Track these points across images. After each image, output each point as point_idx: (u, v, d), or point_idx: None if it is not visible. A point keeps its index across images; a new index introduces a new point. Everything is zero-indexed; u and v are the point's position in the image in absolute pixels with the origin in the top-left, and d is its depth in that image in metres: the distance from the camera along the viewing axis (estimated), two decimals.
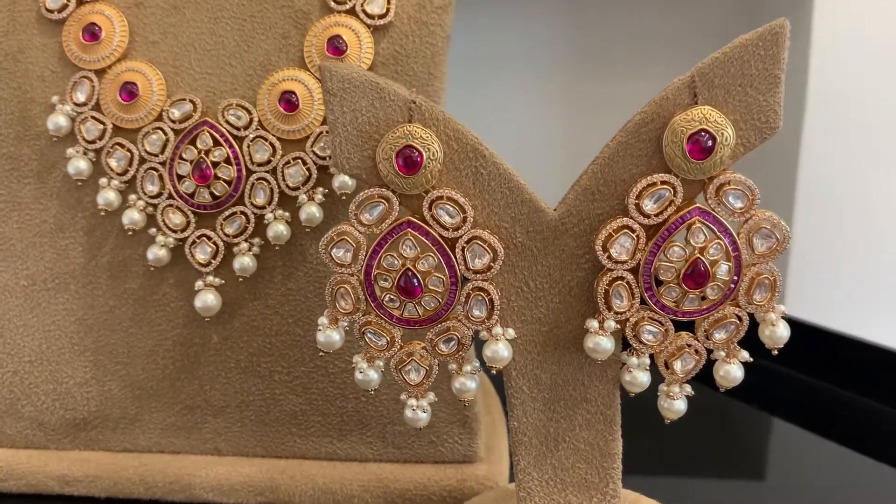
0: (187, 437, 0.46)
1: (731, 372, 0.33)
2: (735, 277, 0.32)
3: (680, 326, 0.34)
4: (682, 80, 0.31)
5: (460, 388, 0.34)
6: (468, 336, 0.34)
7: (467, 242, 0.33)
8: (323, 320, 0.34)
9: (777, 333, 0.33)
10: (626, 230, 0.32)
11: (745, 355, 0.33)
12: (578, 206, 0.33)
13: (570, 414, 0.35)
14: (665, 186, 0.31)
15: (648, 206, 0.31)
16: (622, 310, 0.32)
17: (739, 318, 0.33)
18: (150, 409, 0.45)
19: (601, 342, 0.33)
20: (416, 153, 0.32)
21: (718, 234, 0.31)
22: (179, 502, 0.45)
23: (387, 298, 0.33)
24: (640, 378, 0.33)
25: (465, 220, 0.32)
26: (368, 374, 0.35)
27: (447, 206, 0.32)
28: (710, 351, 0.34)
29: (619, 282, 0.32)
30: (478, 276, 0.33)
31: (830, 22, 0.70)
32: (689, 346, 0.33)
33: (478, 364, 0.34)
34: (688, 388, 0.34)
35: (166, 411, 0.45)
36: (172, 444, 0.46)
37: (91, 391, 0.45)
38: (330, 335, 0.35)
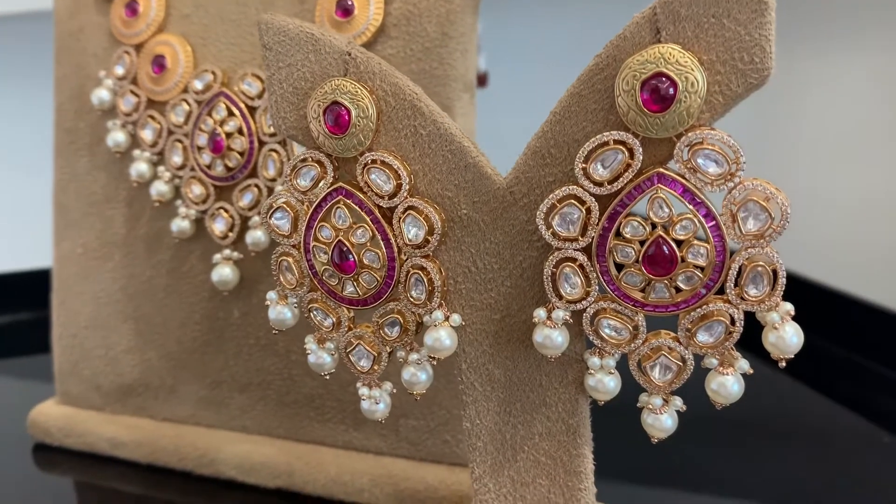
0: (218, 413, 0.46)
1: (727, 385, 0.26)
2: (718, 264, 0.25)
3: (668, 325, 0.27)
4: (643, 13, 0.25)
5: (409, 379, 0.30)
6: (413, 321, 0.30)
7: (403, 213, 0.29)
8: (272, 295, 0.32)
9: (785, 340, 0.25)
10: (573, 200, 0.26)
11: (743, 365, 0.26)
12: (528, 172, 0.27)
13: (529, 419, 0.29)
14: (619, 147, 0.25)
15: (598, 171, 0.25)
16: (574, 298, 0.27)
17: (731, 318, 0.26)
18: (184, 381, 0.46)
19: (551, 335, 0.27)
20: (344, 110, 0.28)
21: (690, 206, 0.25)
22: (207, 476, 0.45)
23: (326, 274, 0.30)
24: (605, 383, 0.27)
25: (399, 186, 0.28)
26: (320, 356, 0.32)
27: (380, 170, 0.29)
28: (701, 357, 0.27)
29: (569, 263, 0.26)
30: (416, 251, 0.29)
31: None
32: (670, 349, 0.27)
33: (426, 353, 0.30)
34: (678, 402, 0.28)
35: (198, 384, 0.45)
36: (206, 417, 0.46)
37: (134, 359, 0.46)
38: (281, 311, 0.32)
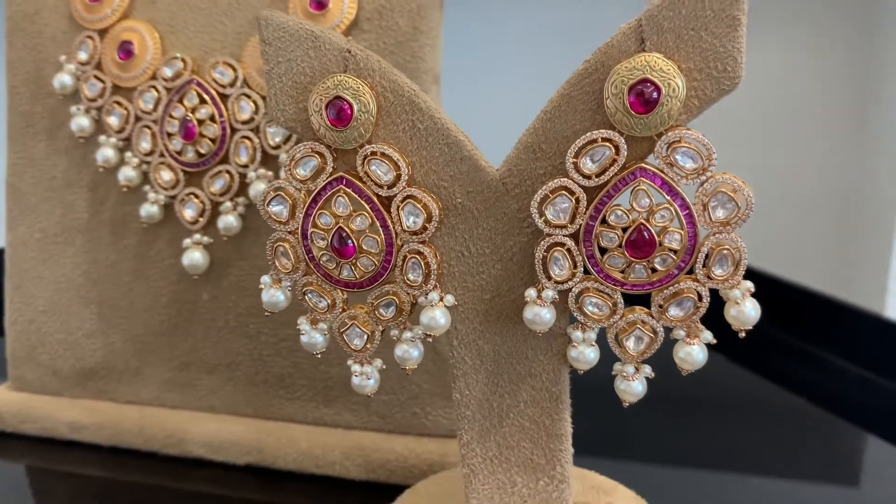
0: (184, 394, 0.46)
1: (693, 354, 0.30)
2: (690, 248, 0.28)
3: (639, 302, 0.31)
4: (630, 24, 0.28)
5: (402, 356, 0.33)
6: (408, 301, 0.32)
7: (402, 201, 0.31)
8: (266, 279, 0.34)
9: (744, 313, 0.29)
10: (563, 191, 0.29)
11: (707, 336, 0.30)
12: (520, 165, 0.30)
13: (515, 389, 0.32)
14: (606, 144, 0.28)
15: (588, 165, 0.28)
16: (562, 279, 0.29)
17: (699, 295, 0.29)
18: (150, 364, 0.46)
19: (540, 313, 0.30)
20: (347, 105, 0.30)
21: (667, 197, 0.28)
22: (174, 456, 0.46)
23: (324, 258, 0.32)
24: (586, 354, 0.31)
25: (399, 177, 0.31)
26: (312, 336, 0.34)
27: (380, 161, 0.31)
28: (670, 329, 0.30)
29: (559, 248, 0.29)
30: (413, 237, 0.31)
31: None
32: (643, 322, 0.30)
33: (420, 331, 0.32)
34: (647, 370, 0.31)
35: (164, 366, 0.46)
36: (171, 399, 0.47)
37: (97, 343, 0.47)
38: (274, 294, 0.34)
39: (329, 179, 0.31)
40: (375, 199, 0.31)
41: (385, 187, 0.31)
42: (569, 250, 0.29)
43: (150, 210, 0.43)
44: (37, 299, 0.47)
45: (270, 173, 0.41)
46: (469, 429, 0.33)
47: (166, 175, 0.42)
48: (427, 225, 0.31)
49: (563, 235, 0.29)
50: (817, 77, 0.79)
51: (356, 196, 0.31)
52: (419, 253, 0.31)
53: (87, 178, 0.45)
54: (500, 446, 0.33)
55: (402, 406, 0.43)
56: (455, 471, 0.39)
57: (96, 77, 0.43)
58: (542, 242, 0.29)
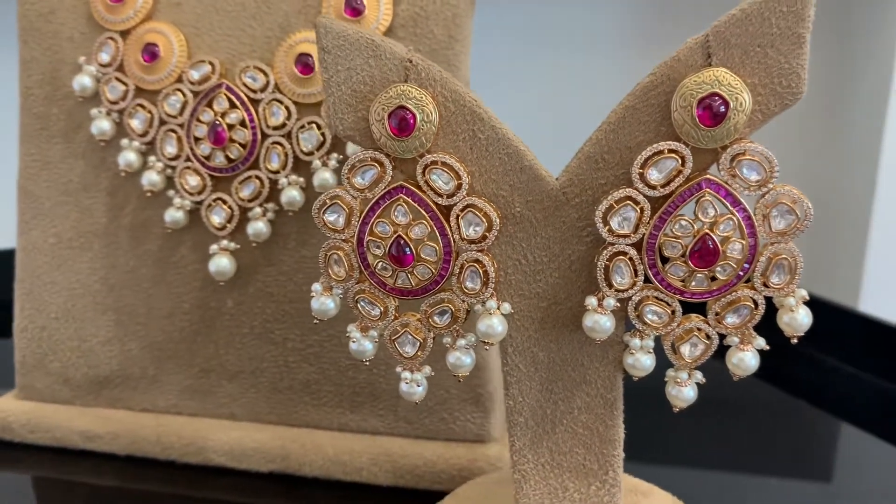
0: (203, 401, 0.46)
1: (746, 360, 0.31)
2: (749, 257, 0.29)
3: (690, 309, 0.31)
4: (696, 39, 0.29)
5: (455, 363, 0.33)
6: (463, 309, 0.32)
7: (462, 210, 0.31)
8: (317, 287, 0.33)
9: (797, 320, 0.30)
10: (629, 202, 0.29)
11: (760, 342, 0.31)
12: (581, 174, 0.31)
13: (569, 396, 0.33)
14: (672, 155, 0.29)
15: (654, 176, 0.29)
16: (623, 287, 0.30)
17: (755, 302, 0.30)
18: (168, 371, 0.46)
19: (600, 321, 0.30)
20: (410, 115, 0.30)
21: (731, 208, 0.29)
22: (194, 465, 0.46)
23: (379, 266, 0.32)
24: (643, 361, 0.31)
25: (459, 186, 0.31)
26: (362, 343, 0.34)
27: (441, 171, 0.31)
28: (724, 336, 0.31)
29: (621, 257, 0.30)
30: (472, 246, 0.31)
31: None
32: (699, 329, 0.31)
33: (474, 339, 0.33)
34: (698, 376, 0.32)
35: (184, 373, 0.46)
36: (190, 406, 0.46)
37: (113, 350, 0.46)
38: (324, 302, 0.34)
39: (389, 188, 0.31)
40: (435, 207, 0.31)
41: (445, 196, 0.31)
42: (631, 259, 0.30)
43: (175, 215, 0.42)
44: (49, 305, 0.46)
45: (302, 179, 0.41)
46: (521, 435, 0.33)
47: (193, 180, 0.42)
48: (487, 234, 0.31)
49: (626, 245, 0.30)
50: None
51: (415, 205, 0.31)
52: (478, 261, 0.31)
53: (106, 182, 0.44)
54: (552, 452, 0.33)
55: (431, 411, 0.43)
56: (493, 476, 0.40)
57: (118, 79, 0.42)
58: (605, 251, 0.30)
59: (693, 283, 0.30)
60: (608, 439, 0.33)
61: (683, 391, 0.32)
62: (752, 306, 0.30)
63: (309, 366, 0.44)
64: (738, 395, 0.59)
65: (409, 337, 0.33)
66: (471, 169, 0.31)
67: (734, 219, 0.29)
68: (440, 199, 0.31)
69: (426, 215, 0.31)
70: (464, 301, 0.32)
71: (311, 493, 0.44)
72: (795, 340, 0.30)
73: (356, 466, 0.43)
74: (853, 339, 0.67)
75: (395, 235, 0.31)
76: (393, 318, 0.33)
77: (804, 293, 0.30)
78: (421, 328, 0.33)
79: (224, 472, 0.46)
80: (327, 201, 0.32)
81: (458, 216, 0.31)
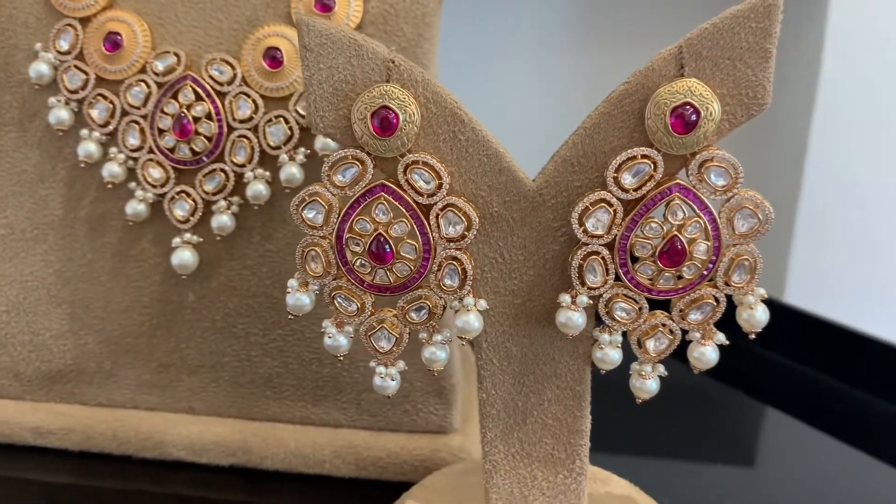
0: (162, 395, 0.45)
1: (706, 354, 0.33)
2: (713, 257, 0.31)
3: (655, 305, 0.33)
4: (670, 50, 0.30)
5: (430, 357, 0.34)
6: (440, 305, 0.33)
7: (442, 209, 0.32)
8: (293, 283, 0.34)
9: (755, 317, 0.32)
10: (603, 204, 0.31)
11: (720, 337, 0.33)
12: (557, 177, 0.32)
13: (540, 388, 0.34)
14: (645, 161, 0.30)
15: (627, 180, 0.30)
16: (596, 285, 0.31)
17: (716, 300, 0.32)
18: (125, 365, 0.45)
19: (573, 317, 0.32)
20: (392, 114, 0.31)
21: (698, 211, 0.30)
22: (151, 459, 0.45)
23: (358, 263, 0.33)
24: (611, 355, 0.33)
25: (440, 186, 0.32)
26: (337, 339, 0.34)
27: (422, 171, 0.31)
28: (685, 331, 0.33)
29: (594, 256, 0.31)
30: (451, 244, 0.32)
31: (846, 16, 0.69)
32: (664, 325, 0.32)
33: (449, 334, 0.34)
34: (661, 369, 0.34)
35: (142, 368, 0.45)
36: (147, 400, 0.46)
37: (67, 344, 0.45)
38: (300, 298, 0.34)
39: (370, 186, 0.32)
40: (415, 206, 0.32)
41: (426, 195, 0.32)
42: (603, 259, 0.31)
43: (136, 208, 0.42)
44: None
45: (268, 173, 0.41)
46: (493, 426, 0.34)
47: (155, 172, 0.41)
48: (466, 233, 0.32)
49: (599, 245, 0.31)
50: None
51: (396, 203, 0.32)
52: (456, 259, 0.32)
53: (63, 172, 0.43)
54: (522, 442, 0.35)
55: (394, 404, 0.44)
56: (458, 466, 0.41)
57: (78, 68, 0.41)
58: (579, 251, 0.31)
59: (661, 282, 0.31)
60: (576, 430, 0.34)
61: (647, 383, 0.33)
62: (714, 303, 0.32)
63: (272, 360, 0.44)
64: (677, 386, 0.62)
65: (385, 332, 0.34)
66: (450, 169, 0.32)
67: (701, 221, 0.30)
68: (421, 197, 0.32)
69: (406, 213, 0.32)
70: (441, 298, 0.33)
71: (272, 486, 0.45)
72: (753, 336, 0.32)
73: (319, 459, 0.44)
74: (779, 330, 0.70)
75: (375, 233, 0.32)
76: (369, 313, 0.34)
77: (762, 291, 0.32)
78: (397, 324, 0.34)
79: (183, 467, 0.45)
80: (306, 198, 0.32)
81: (437, 215, 0.32)
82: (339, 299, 0.34)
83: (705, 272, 0.31)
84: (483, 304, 0.33)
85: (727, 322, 0.32)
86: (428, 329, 0.34)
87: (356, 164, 0.32)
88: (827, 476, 0.52)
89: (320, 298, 0.34)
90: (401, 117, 0.31)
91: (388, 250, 0.32)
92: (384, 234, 0.32)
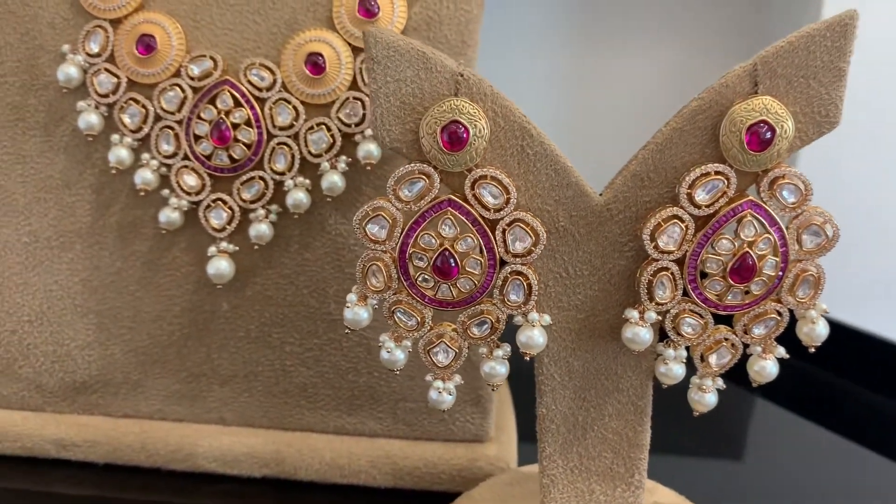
0: (191, 406, 0.44)
1: (767, 368, 0.33)
2: (780, 273, 0.31)
3: (716, 319, 0.33)
4: (744, 67, 0.30)
5: (490, 372, 0.33)
6: (502, 320, 0.33)
7: (509, 225, 0.31)
8: (352, 297, 0.33)
9: (816, 331, 0.32)
10: (675, 220, 0.30)
11: (781, 351, 0.33)
12: (626, 192, 0.32)
13: (601, 403, 0.34)
14: (719, 177, 0.30)
15: (701, 196, 0.30)
16: (664, 301, 0.31)
17: (779, 314, 0.32)
18: (153, 375, 0.44)
19: (640, 333, 0.32)
20: (462, 129, 0.30)
21: (769, 228, 0.30)
22: (180, 471, 0.44)
23: (421, 278, 0.32)
24: (675, 370, 0.33)
25: (508, 201, 0.31)
26: (395, 353, 0.34)
27: (491, 185, 0.31)
28: (745, 345, 0.33)
29: (664, 272, 0.31)
30: (517, 259, 0.32)
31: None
32: (727, 339, 0.32)
33: (509, 348, 0.33)
34: (720, 382, 0.34)
35: (171, 378, 0.44)
36: (175, 411, 0.45)
37: (93, 354, 0.44)
38: (358, 312, 0.33)
39: (437, 201, 0.31)
40: (481, 220, 0.31)
41: (493, 210, 0.31)
42: (672, 274, 0.31)
43: (170, 216, 0.40)
44: (21, 308, 0.43)
45: (308, 181, 0.40)
46: (552, 441, 0.34)
47: (190, 179, 0.40)
48: (533, 248, 0.31)
49: (669, 260, 0.31)
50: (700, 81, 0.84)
51: (462, 218, 0.31)
52: (521, 274, 0.32)
53: (91, 178, 0.42)
54: (581, 457, 0.35)
55: (430, 413, 0.44)
56: (504, 477, 0.40)
57: (108, 71, 0.40)
58: (649, 267, 0.31)
59: (729, 297, 0.31)
60: (636, 444, 0.34)
61: (706, 396, 0.34)
62: (778, 318, 0.32)
63: (307, 369, 0.43)
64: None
65: (444, 347, 0.33)
66: (517, 183, 0.32)
67: (771, 237, 0.30)
68: (487, 212, 0.31)
69: (473, 229, 0.31)
70: (503, 312, 0.32)
71: (306, 497, 0.44)
72: (813, 350, 0.33)
73: (355, 469, 0.43)
74: None
75: (440, 248, 0.31)
76: (429, 328, 0.33)
77: (824, 306, 0.32)
78: (456, 338, 0.33)
79: (214, 479, 0.44)
80: (370, 212, 0.32)
81: (504, 230, 0.31)
82: (398, 314, 0.33)
83: (772, 287, 0.31)
84: (547, 318, 0.33)
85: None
86: (489, 344, 0.33)
87: (423, 179, 0.31)
88: (815, 466, 0.53)
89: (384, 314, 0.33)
90: (471, 132, 0.30)
91: (454, 265, 0.32)
92: (450, 248, 0.31)
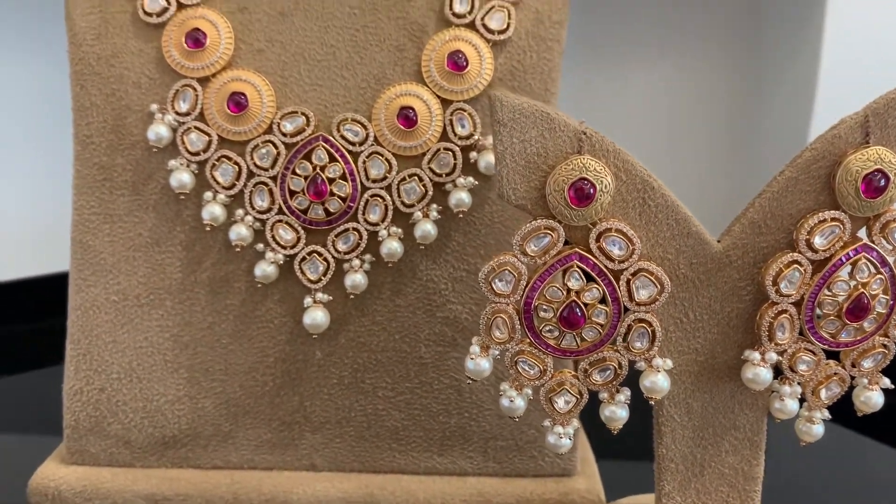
0: (282, 454, 0.45)
1: (873, 398, 0.34)
2: (889, 310, 0.33)
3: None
4: (855, 118, 0.32)
5: (610, 416, 0.34)
6: (625, 366, 0.34)
7: (633, 275, 0.33)
8: (475, 348, 0.34)
9: None
10: (795, 265, 0.32)
11: (886, 382, 0.35)
12: (744, 238, 0.33)
13: (718, 440, 0.35)
14: (835, 223, 0.32)
15: (819, 241, 0.32)
16: (783, 342, 0.33)
17: (886, 347, 0.34)
18: (244, 426, 0.44)
19: (761, 373, 0.33)
20: (589, 185, 0.31)
21: (880, 268, 0.32)
22: None
23: (545, 329, 0.33)
24: (790, 406, 0.34)
25: (633, 252, 0.32)
26: (517, 401, 0.35)
27: (616, 238, 0.32)
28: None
29: (784, 315, 0.32)
30: (641, 307, 0.33)
31: (842, 23, 0.72)
32: (836, 374, 0.34)
33: (629, 393, 0.35)
34: (826, 413, 0.35)
35: (262, 428, 0.44)
36: (265, 460, 0.45)
37: (183, 408, 0.44)
38: (480, 363, 0.34)
39: (563, 255, 0.32)
40: (606, 271, 0.32)
41: (617, 262, 0.32)
42: (790, 315, 0.33)
43: (266, 270, 0.41)
44: (111, 366, 0.43)
45: (400, 230, 0.41)
46: (671, 479, 0.35)
47: (286, 234, 0.41)
48: (658, 297, 0.33)
49: (788, 303, 0.32)
50: (700, 100, 0.86)
51: (588, 270, 0.32)
52: (645, 321, 0.33)
53: (182, 235, 0.42)
54: (699, 493, 0.36)
55: (520, 450, 0.45)
56: None
57: (199, 129, 0.40)
58: (770, 310, 0.32)
59: (843, 336, 0.33)
60: (751, 477, 0.36)
61: (814, 428, 0.35)
62: (885, 351, 0.34)
63: (398, 413, 0.44)
64: None
65: (566, 393, 0.34)
66: (639, 234, 0.33)
67: (883, 277, 0.32)
68: (612, 263, 0.32)
69: (599, 280, 0.32)
70: (626, 358, 0.34)
71: None
72: None
73: None
74: None
75: (567, 300, 0.32)
76: (550, 376, 0.34)
77: None
78: (576, 384, 0.34)
79: None
80: (496, 268, 0.33)
81: (628, 279, 0.33)
82: (521, 364, 0.34)
83: (881, 323, 0.33)
84: (669, 363, 0.34)
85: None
86: (609, 389, 0.34)
87: (549, 234, 0.32)
88: (824, 459, 0.54)
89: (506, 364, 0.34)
90: (597, 188, 0.31)
91: (580, 316, 0.33)
92: (577, 300, 0.32)
